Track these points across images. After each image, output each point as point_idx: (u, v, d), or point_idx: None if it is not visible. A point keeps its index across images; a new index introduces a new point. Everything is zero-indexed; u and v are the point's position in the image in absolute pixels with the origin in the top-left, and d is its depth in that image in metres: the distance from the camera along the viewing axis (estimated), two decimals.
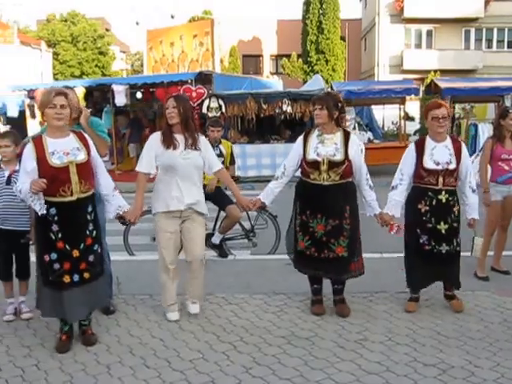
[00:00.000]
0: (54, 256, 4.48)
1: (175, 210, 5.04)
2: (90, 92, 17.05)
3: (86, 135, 4.73)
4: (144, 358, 4.43)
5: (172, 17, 36.11)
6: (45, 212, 4.42)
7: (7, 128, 17.74)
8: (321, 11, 35.11)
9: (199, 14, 44.01)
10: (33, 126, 16.67)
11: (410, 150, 5.29)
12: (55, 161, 4.42)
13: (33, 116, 17.51)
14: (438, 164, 5.12)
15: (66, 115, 4.50)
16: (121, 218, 4.90)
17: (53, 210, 4.45)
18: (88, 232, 4.58)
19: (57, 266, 4.48)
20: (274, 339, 4.74)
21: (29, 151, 4.47)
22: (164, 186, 5.07)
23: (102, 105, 17.67)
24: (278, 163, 14.00)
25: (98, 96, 18.15)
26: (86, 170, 4.54)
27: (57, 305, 4.53)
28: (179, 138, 5.01)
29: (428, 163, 5.14)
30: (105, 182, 4.79)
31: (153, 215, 5.21)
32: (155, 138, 5.09)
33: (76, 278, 4.51)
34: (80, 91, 14.79)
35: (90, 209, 4.60)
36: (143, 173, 5.10)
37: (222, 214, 7.42)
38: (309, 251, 5.15)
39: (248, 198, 5.32)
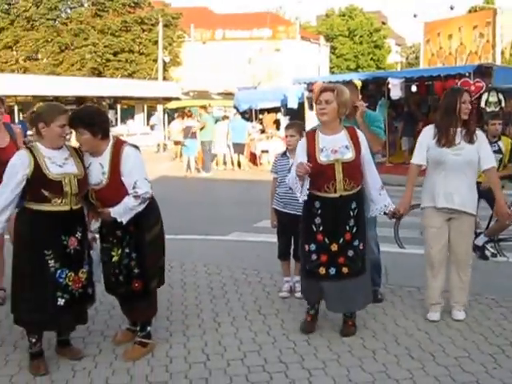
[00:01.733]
0: (312, 247, 4.67)
1: (442, 208, 4.96)
2: (365, 85, 17.37)
3: (358, 132, 4.75)
4: (409, 348, 4.49)
5: (451, 8, 35.00)
6: (305, 198, 4.60)
7: (287, 119, 18.91)
8: None
9: (480, 4, 42.10)
10: (310, 118, 17.48)
11: None
12: (322, 158, 4.56)
13: (311, 108, 18.36)
14: None
15: (331, 111, 4.54)
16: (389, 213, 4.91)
17: (317, 204, 4.63)
18: (348, 227, 4.62)
19: (314, 256, 4.66)
20: None
21: (302, 145, 4.70)
22: (432, 181, 4.98)
23: (377, 98, 17.89)
24: None
25: (373, 89, 18.41)
26: (352, 169, 4.57)
27: (316, 292, 4.75)
28: (455, 131, 4.87)
29: None
30: (372, 181, 4.76)
31: (421, 209, 5.18)
32: (428, 130, 5.03)
33: (332, 271, 4.62)
34: (357, 84, 15.14)
35: (353, 205, 4.63)
36: (416, 164, 5.07)
37: None
38: None
39: None
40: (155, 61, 40.25)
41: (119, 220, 4.25)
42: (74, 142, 4.64)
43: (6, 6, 42.06)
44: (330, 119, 4.60)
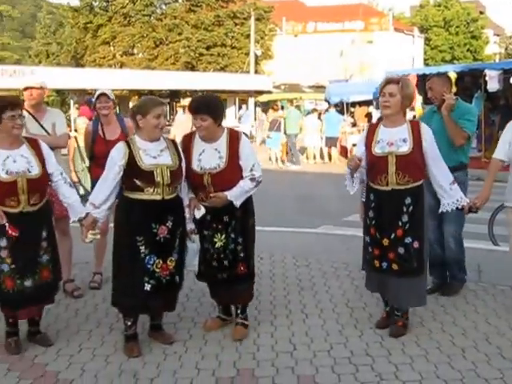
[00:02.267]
0: (367, 239, 4.69)
1: None
2: (460, 77, 16.89)
3: (422, 126, 4.61)
4: (500, 347, 4.38)
5: None
6: (354, 190, 4.65)
7: (379, 112, 18.65)
8: None
9: None
10: None
11: None
12: (377, 150, 4.51)
13: None
14: None
15: (394, 104, 4.47)
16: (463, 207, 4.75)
17: (371, 196, 4.61)
18: (400, 223, 4.51)
19: (369, 249, 4.66)
20: None
21: (362, 136, 4.71)
22: None
23: (473, 90, 17.36)
24: None
25: (469, 81, 17.85)
26: (407, 163, 4.46)
27: (375, 285, 4.76)
28: None
29: None
30: (440, 176, 4.61)
31: (504, 207, 5.05)
32: None
33: (384, 265, 4.56)
34: (451, 76, 14.76)
35: (407, 201, 4.50)
36: (497, 159, 4.92)
37: None
38: None
39: None
40: (247, 54, 40.65)
41: (235, 203, 4.45)
42: (172, 135, 4.82)
43: (105, 4, 43.72)
44: (393, 112, 4.51)
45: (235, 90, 35.37)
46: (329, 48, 48.48)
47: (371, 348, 4.41)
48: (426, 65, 52.08)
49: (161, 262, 4.33)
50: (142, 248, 4.28)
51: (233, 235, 4.54)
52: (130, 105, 35.79)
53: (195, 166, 4.50)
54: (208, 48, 41.38)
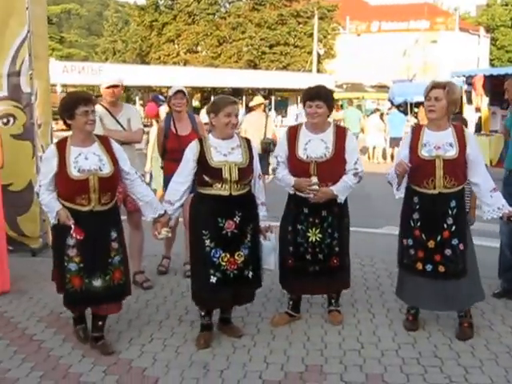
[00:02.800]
0: (410, 242, 4.62)
1: None
2: None
3: (466, 131, 4.61)
4: None
5: None
6: (401, 196, 4.66)
7: None
8: None
9: None
10: (468, 112, 16.90)
11: None
12: (424, 153, 4.48)
13: (469, 102, 17.74)
14: None
15: (439, 108, 4.43)
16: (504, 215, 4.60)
17: (416, 199, 4.57)
18: (446, 225, 4.49)
19: (412, 251, 4.61)
20: None
21: (406, 140, 4.67)
22: None
23: None
24: None
25: None
26: (454, 167, 4.43)
27: (411, 289, 4.70)
28: None
29: None
30: (482, 182, 4.53)
31: None
32: None
33: (429, 267, 4.52)
34: None
35: (453, 204, 4.48)
36: None
37: None
38: None
39: None
40: (309, 53, 40.62)
41: (340, 198, 4.67)
42: (243, 132, 4.90)
43: (170, 2, 44.36)
44: (438, 117, 4.48)
45: (297, 89, 35.36)
46: (392, 47, 47.91)
47: (440, 350, 4.39)
48: (492, 65, 50.88)
49: (228, 256, 4.41)
50: (208, 241, 4.38)
51: (329, 230, 4.70)
52: (193, 102, 36.30)
53: (301, 154, 4.64)
54: (271, 46, 41.52)
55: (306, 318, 5.00)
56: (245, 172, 4.44)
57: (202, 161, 4.40)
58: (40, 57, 6.99)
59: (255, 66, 41.02)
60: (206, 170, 4.38)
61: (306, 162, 4.60)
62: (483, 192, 4.55)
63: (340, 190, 4.65)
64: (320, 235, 4.68)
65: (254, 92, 32.99)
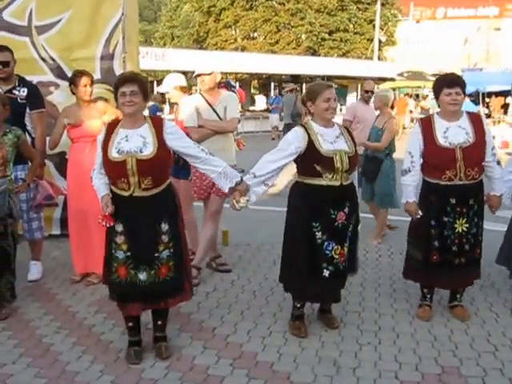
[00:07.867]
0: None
1: None
2: None
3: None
4: None
5: None
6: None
7: None
8: None
9: None
10: None
11: None
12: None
13: None
14: None
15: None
16: None
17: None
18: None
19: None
20: None
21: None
22: None
23: None
24: None
25: None
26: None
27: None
28: None
29: None
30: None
31: None
32: None
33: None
34: None
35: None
36: None
37: None
38: None
39: None
40: (370, 40, 40.00)
41: (502, 192, 4.80)
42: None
43: None
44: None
45: (357, 77, 34.87)
46: (454, 35, 46.73)
47: (500, 351, 4.27)
48: None
49: (339, 248, 4.33)
50: (319, 234, 4.28)
51: (476, 219, 4.64)
52: (251, 89, 36.18)
53: (442, 141, 4.55)
54: (330, 33, 40.95)
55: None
56: (354, 160, 4.37)
57: (311, 148, 4.28)
58: (132, 40, 7.01)
59: (314, 53, 40.57)
60: (316, 159, 4.26)
61: (451, 148, 4.51)
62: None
63: (500, 188, 4.78)
64: (467, 225, 4.61)
65: (312, 79, 32.61)
